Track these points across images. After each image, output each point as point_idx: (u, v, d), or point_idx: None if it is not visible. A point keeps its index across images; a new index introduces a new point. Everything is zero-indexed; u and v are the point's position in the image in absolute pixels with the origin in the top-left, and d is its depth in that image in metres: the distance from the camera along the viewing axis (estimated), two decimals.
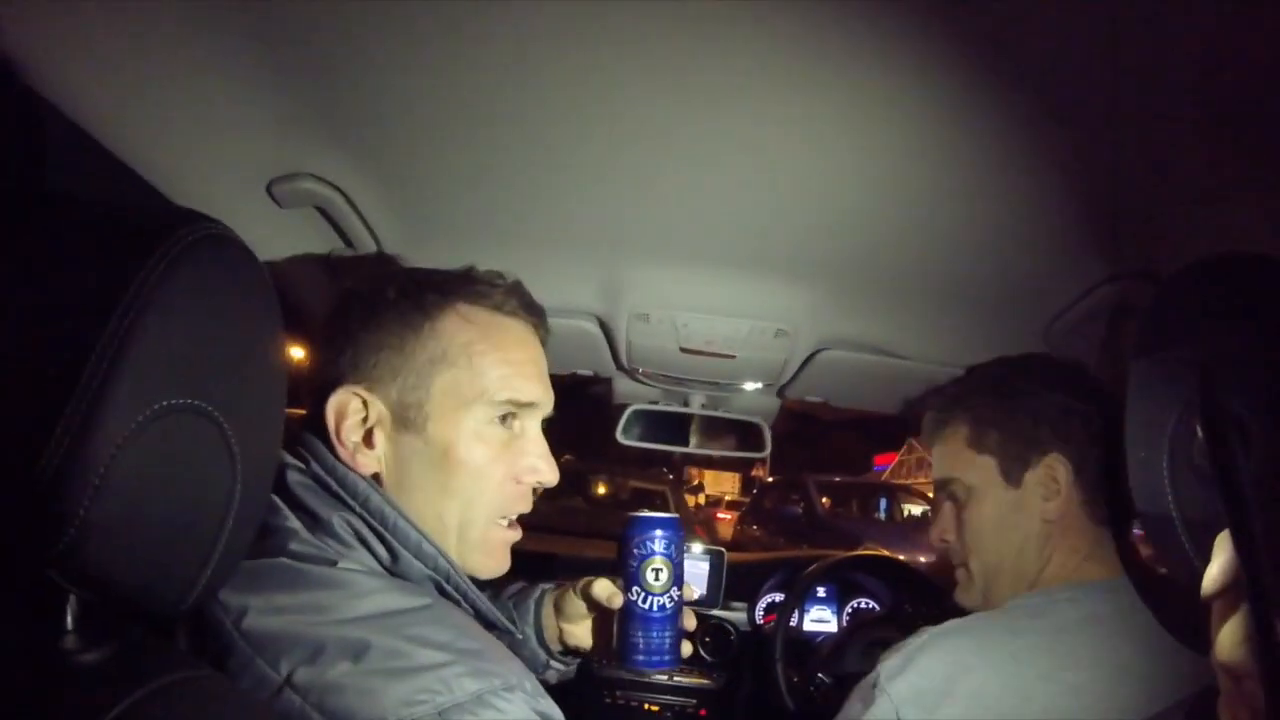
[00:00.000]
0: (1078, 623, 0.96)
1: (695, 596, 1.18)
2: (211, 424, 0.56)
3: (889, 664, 0.99)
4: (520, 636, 0.97)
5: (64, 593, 0.54)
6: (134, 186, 0.91)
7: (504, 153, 1.02)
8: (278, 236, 1.19)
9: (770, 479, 13.93)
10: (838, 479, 10.84)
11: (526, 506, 0.90)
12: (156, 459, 0.53)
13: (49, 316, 0.51)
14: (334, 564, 0.73)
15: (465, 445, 0.83)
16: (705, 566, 2.12)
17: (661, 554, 0.99)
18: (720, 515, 14.55)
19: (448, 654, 0.67)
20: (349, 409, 0.81)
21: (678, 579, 1.00)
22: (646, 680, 1.99)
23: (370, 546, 0.77)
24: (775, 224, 1.14)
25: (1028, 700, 0.91)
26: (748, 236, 1.19)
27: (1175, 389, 0.65)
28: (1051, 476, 1.04)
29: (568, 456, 8.33)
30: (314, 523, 0.76)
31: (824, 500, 9.21)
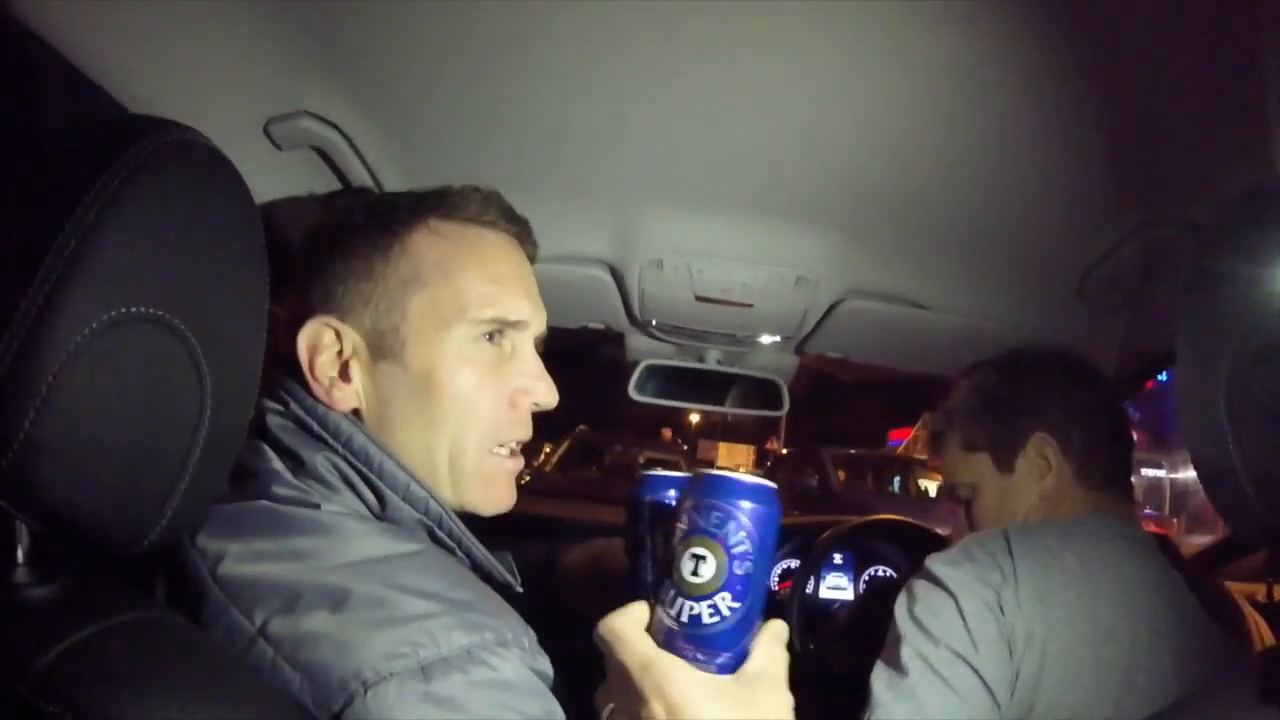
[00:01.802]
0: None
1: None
2: (175, 338, 0.52)
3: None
4: (520, 590, 0.83)
5: (13, 522, 0.50)
6: None
7: (512, 91, 0.97)
8: (276, 180, 1.14)
9: (785, 451, 13.96)
10: (853, 452, 10.79)
11: (526, 433, 0.84)
12: (111, 373, 0.49)
13: (8, 225, 0.48)
14: (318, 507, 0.69)
15: (449, 368, 0.77)
16: None
17: (709, 531, 0.59)
18: None
19: (436, 604, 0.62)
20: (321, 342, 0.76)
21: (743, 577, 0.59)
22: None
23: (356, 489, 0.72)
24: (797, 165, 1.09)
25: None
26: (768, 178, 1.13)
27: (1229, 331, 0.61)
28: (1040, 455, 1.11)
29: (582, 427, 8.43)
30: (297, 465, 0.72)
31: (839, 473, 9.16)
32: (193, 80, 0.90)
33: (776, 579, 2.07)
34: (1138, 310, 1.30)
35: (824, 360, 1.80)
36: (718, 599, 0.58)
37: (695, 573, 0.58)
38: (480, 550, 0.77)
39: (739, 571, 0.58)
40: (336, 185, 1.21)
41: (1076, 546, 0.98)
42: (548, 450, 8.10)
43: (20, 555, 0.51)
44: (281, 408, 0.75)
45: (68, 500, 0.49)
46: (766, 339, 1.58)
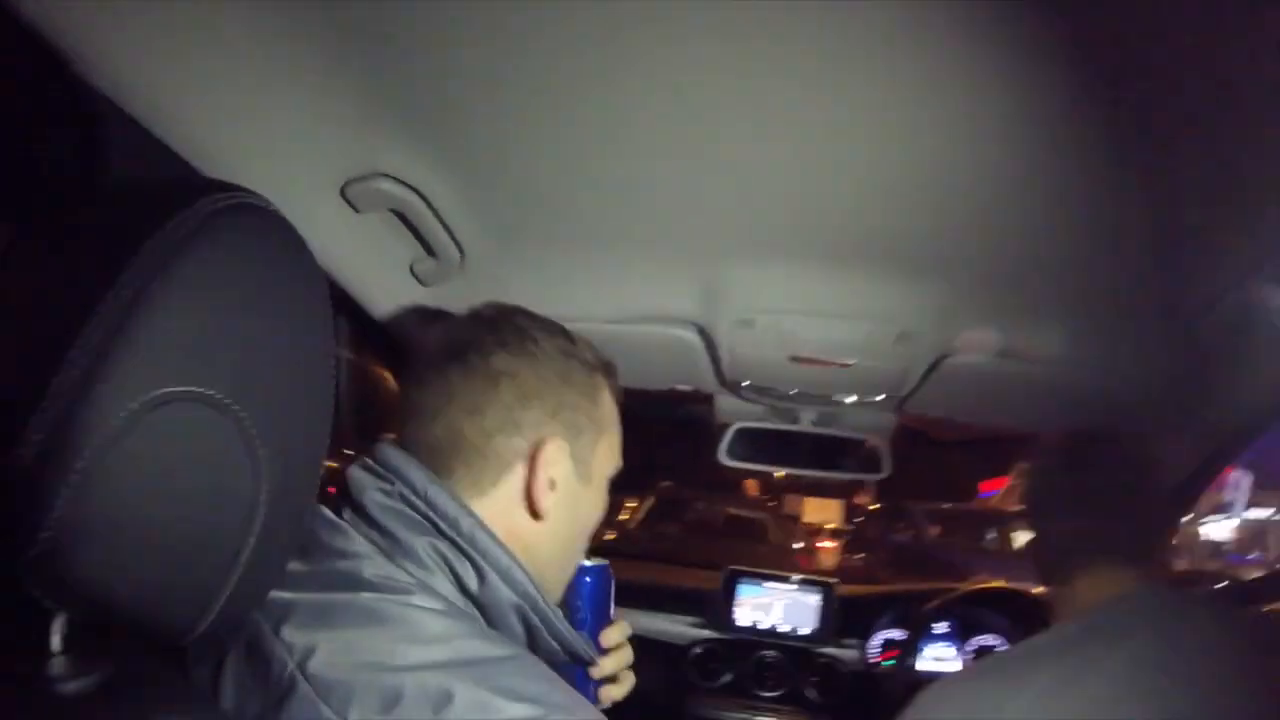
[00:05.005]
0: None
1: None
2: (228, 418, 0.48)
3: None
4: (597, 666, 0.92)
5: (49, 611, 0.47)
6: None
7: (593, 148, 0.95)
8: (354, 243, 1.13)
9: (873, 506, 13.54)
10: (945, 506, 10.38)
11: None
12: (154, 455, 0.45)
13: (57, 293, 0.44)
14: (409, 594, 0.67)
15: (598, 504, 0.87)
16: (814, 600, 2.02)
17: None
18: (822, 544, 14.23)
19: (537, 707, 0.60)
20: (556, 458, 0.80)
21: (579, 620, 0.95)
22: None
23: (455, 568, 0.72)
24: (897, 215, 1.02)
25: None
26: (865, 230, 1.07)
27: None
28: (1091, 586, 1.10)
29: (666, 483, 8.31)
30: (393, 546, 0.71)
31: (932, 529, 8.75)
32: (267, 142, 0.89)
33: (876, 650, 1.99)
34: (1255, 356, 1.20)
35: (919, 419, 1.72)
36: None
37: None
38: (568, 629, 0.77)
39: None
40: (416, 247, 1.19)
41: None
42: (632, 506, 8.03)
43: (57, 644, 0.47)
44: (388, 485, 0.74)
45: (105, 589, 0.45)
46: (865, 399, 1.49)
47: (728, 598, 2.08)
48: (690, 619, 2.10)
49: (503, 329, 0.81)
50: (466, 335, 0.80)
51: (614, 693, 0.98)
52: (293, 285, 0.54)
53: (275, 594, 0.64)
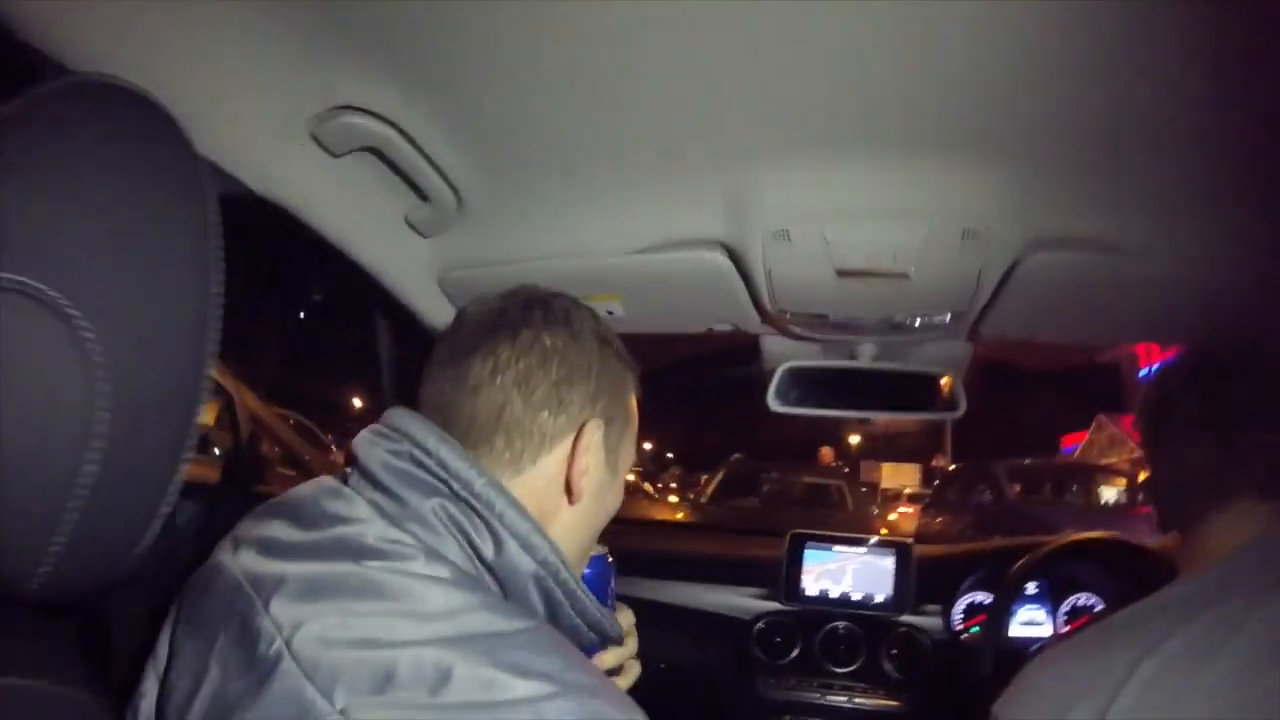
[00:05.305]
0: None
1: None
2: (52, 314, 0.42)
3: None
4: (622, 646, 0.90)
5: None
6: None
7: (585, 51, 0.83)
8: (340, 193, 1.07)
9: (952, 467, 13.26)
10: (1026, 462, 10.11)
11: None
12: None
13: None
14: (413, 559, 0.64)
15: (619, 496, 0.86)
16: (889, 563, 1.87)
17: None
18: (902, 509, 14.02)
19: (550, 684, 0.56)
20: (594, 440, 0.79)
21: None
22: (822, 703, 1.78)
23: (468, 533, 0.69)
24: (950, 85, 0.83)
25: None
26: (911, 106, 0.87)
27: None
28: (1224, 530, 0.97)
29: (737, 456, 8.29)
30: (399, 509, 0.69)
31: (1014, 487, 8.61)
32: (215, 87, 0.84)
33: (961, 617, 1.85)
34: None
35: (999, 350, 1.52)
36: None
37: None
38: (592, 603, 0.74)
39: None
40: (409, 196, 1.12)
41: None
42: (705, 479, 8.10)
43: None
44: (396, 445, 0.72)
45: None
46: (932, 318, 1.27)
47: (793, 565, 1.93)
48: (754, 590, 1.97)
49: (553, 307, 0.80)
50: (514, 311, 0.79)
51: (620, 684, 0.92)
52: (159, 181, 0.49)
53: (267, 565, 0.63)
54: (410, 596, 0.61)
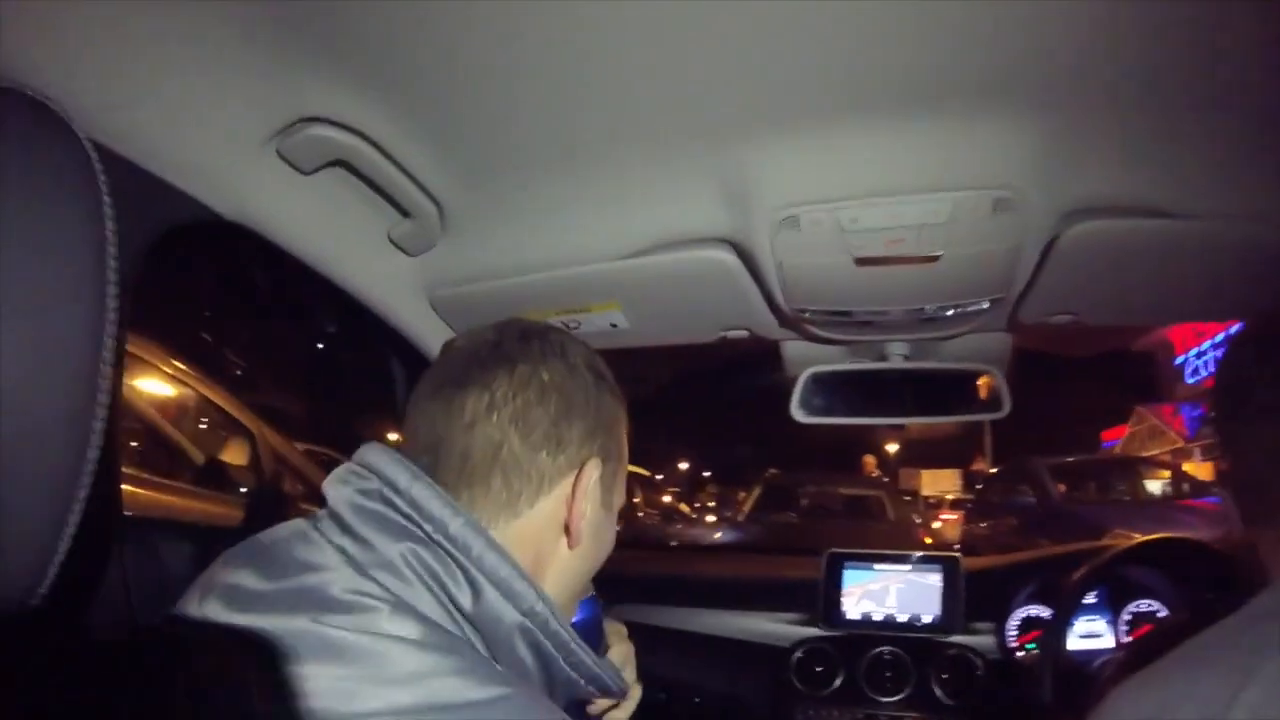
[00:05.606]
0: None
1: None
2: None
3: None
4: (625, 697, 0.86)
5: None
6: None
7: (558, 36, 0.78)
8: (316, 213, 1.03)
9: (993, 470, 13.04)
10: (1069, 459, 9.89)
11: None
12: None
13: None
14: (379, 614, 0.60)
15: (612, 536, 0.83)
16: (935, 580, 1.76)
17: None
18: (944, 516, 13.83)
19: None
20: (594, 479, 0.76)
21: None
22: None
23: (443, 581, 0.64)
24: (972, 28, 0.74)
25: None
26: (925, 56, 0.78)
27: None
28: None
29: (772, 471, 8.20)
30: (367, 555, 0.64)
31: (1058, 486, 8.44)
32: (171, 108, 0.81)
33: (1015, 633, 1.73)
34: None
35: (1040, 338, 1.41)
36: None
37: None
38: (588, 655, 0.70)
39: None
40: (389, 211, 1.08)
41: None
42: (743, 496, 8.04)
43: None
44: (366, 484, 0.68)
45: None
46: (966, 308, 1.15)
47: (832, 587, 1.81)
48: (792, 615, 1.86)
49: (549, 339, 0.77)
50: (510, 343, 0.76)
51: (618, 716, 0.90)
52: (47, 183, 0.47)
53: (229, 618, 0.60)
54: (375, 660, 0.57)
